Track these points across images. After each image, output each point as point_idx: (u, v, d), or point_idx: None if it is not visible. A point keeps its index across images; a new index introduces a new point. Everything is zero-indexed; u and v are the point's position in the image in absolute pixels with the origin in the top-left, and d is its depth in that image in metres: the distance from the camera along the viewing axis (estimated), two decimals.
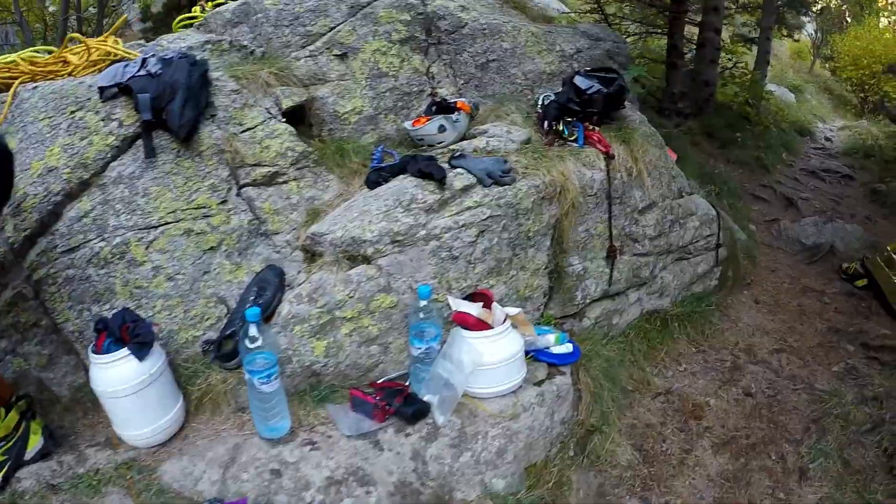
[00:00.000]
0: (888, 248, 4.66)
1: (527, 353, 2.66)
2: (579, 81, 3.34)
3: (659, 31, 8.19)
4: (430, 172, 2.73)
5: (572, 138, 3.23)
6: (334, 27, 3.41)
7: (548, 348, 2.77)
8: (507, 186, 2.81)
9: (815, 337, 4.05)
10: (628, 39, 8.27)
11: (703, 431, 3.10)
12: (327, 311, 2.45)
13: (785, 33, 12.29)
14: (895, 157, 8.66)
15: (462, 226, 2.67)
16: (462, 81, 3.69)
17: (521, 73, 3.69)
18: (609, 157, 3.20)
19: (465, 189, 2.77)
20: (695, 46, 7.89)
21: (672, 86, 7.29)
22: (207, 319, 2.52)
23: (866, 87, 13.06)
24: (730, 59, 8.98)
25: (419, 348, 2.40)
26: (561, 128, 3.27)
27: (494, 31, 3.69)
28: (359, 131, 3.35)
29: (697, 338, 3.80)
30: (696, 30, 7.81)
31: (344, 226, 2.61)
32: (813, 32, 16.18)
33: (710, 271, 4.13)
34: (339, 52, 3.38)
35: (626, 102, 3.56)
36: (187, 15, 3.69)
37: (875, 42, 13.09)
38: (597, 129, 3.29)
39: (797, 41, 14.50)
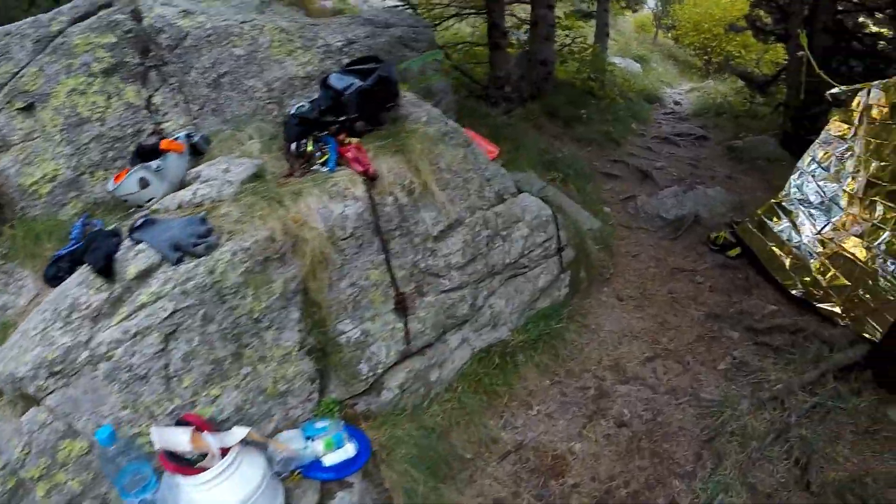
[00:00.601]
0: (758, 212, 4.28)
1: (294, 471, 2.02)
2: (334, 81, 2.61)
3: (476, 11, 7.59)
4: (87, 262, 1.91)
5: (323, 160, 2.43)
6: (17, 72, 2.62)
7: (319, 459, 2.02)
8: (202, 258, 1.98)
9: (692, 329, 3.57)
10: (444, 24, 7.61)
11: (568, 492, 2.51)
12: (11, 473, 1.91)
13: (624, 5, 12.38)
14: (745, 111, 8.78)
15: (135, 334, 1.94)
16: (196, 108, 2.83)
17: (263, 83, 2.86)
18: (370, 178, 2.40)
19: (144, 275, 1.98)
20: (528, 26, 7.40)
21: (497, 69, 6.64)
22: None
23: (709, 49, 13.65)
24: (567, 36, 8.67)
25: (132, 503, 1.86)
26: (310, 148, 2.46)
27: (223, 36, 2.85)
28: (56, 203, 2.61)
29: (551, 365, 3.16)
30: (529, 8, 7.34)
31: (4, 355, 1.97)
32: (654, 4, 16.61)
33: (556, 280, 3.46)
34: (24, 104, 2.59)
35: (401, 96, 2.81)
36: None
37: (714, 7, 13.69)
38: (353, 141, 2.49)
39: (636, 11, 14.77)
